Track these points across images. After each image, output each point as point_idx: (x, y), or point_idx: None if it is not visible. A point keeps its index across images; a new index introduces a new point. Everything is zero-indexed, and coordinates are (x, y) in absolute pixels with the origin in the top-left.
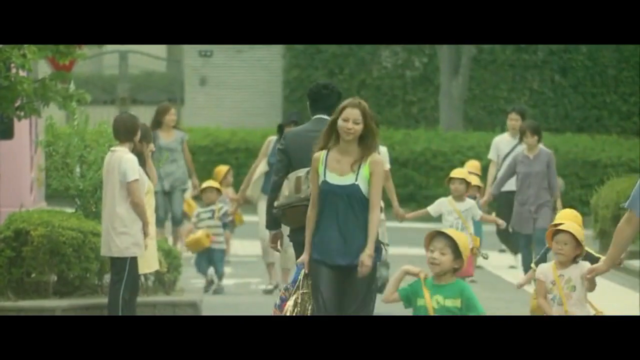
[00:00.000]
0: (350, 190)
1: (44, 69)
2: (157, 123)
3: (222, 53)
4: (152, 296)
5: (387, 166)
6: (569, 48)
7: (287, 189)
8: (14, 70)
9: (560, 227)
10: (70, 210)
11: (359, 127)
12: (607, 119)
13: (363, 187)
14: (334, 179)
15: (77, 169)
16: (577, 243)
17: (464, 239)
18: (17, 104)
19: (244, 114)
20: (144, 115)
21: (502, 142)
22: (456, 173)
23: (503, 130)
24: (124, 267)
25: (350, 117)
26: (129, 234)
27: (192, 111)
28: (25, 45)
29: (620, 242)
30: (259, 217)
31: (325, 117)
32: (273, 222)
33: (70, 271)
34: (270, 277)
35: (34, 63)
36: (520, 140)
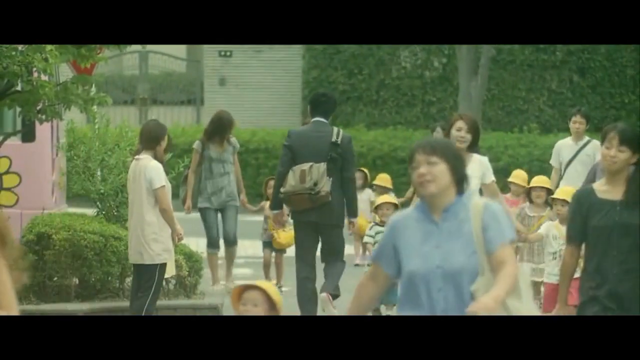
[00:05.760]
0: None
1: (65, 71)
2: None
3: (241, 53)
4: (173, 300)
5: (492, 178)
6: (587, 48)
7: (292, 179)
8: (35, 75)
9: None
10: (91, 212)
11: None
12: (625, 119)
13: None
14: None
15: (98, 173)
16: None
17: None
18: (38, 107)
19: (264, 115)
20: (165, 115)
21: (565, 147)
22: (559, 194)
23: (521, 130)
24: (154, 273)
25: None
26: (159, 241)
27: (211, 111)
28: (47, 50)
29: (363, 301)
30: None
31: (323, 119)
32: (278, 204)
33: (91, 275)
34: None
35: (55, 66)
36: (584, 146)
